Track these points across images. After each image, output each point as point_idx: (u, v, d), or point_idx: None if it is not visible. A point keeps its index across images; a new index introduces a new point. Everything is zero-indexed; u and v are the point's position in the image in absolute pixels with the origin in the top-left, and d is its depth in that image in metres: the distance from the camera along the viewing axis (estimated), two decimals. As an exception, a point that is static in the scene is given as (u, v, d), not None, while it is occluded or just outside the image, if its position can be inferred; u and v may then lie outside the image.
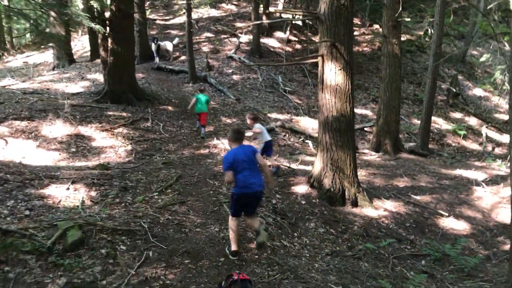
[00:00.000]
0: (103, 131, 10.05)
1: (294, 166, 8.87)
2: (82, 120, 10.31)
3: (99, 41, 12.62)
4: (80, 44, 20.98)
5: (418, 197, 8.43)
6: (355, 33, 22.90)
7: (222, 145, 10.13)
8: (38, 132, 9.48)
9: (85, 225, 4.73)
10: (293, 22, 20.78)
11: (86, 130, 9.95)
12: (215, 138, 10.62)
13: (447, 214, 7.73)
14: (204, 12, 22.74)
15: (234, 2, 24.15)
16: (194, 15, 21.83)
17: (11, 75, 14.98)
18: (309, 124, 13.71)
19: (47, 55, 18.93)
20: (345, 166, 7.16)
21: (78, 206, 5.67)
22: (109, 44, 12.04)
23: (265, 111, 13.62)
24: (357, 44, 22.02)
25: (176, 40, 17.57)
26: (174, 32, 20.47)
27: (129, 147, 9.52)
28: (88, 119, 10.43)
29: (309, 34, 21.20)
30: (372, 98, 17.47)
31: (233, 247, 4.93)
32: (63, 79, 14.72)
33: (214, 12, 22.75)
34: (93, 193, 6.16)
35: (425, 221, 7.38)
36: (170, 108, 12.72)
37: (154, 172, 7.35)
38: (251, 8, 20.41)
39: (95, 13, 12.28)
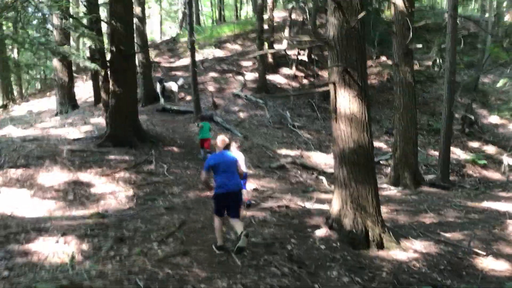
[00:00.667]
0: (103, 176, 9.45)
1: (309, 205, 8.14)
2: (81, 166, 9.74)
3: (100, 83, 12.24)
4: (85, 90, 20.80)
5: (448, 235, 7.58)
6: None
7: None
8: (34, 180, 8.90)
9: (69, 287, 4.01)
10: (299, 58, 20.48)
11: (85, 176, 9.35)
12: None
13: (484, 253, 6.85)
14: (209, 53, 22.61)
15: (239, 42, 24.07)
16: (199, 56, 21.70)
17: (13, 123, 14.60)
18: (321, 159, 13.03)
19: (52, 102, 18.71)
20: (366, 204, 6.42)
21: (66, 262, 4.97)
22: (110, 86, 11.66)
23: (274, 147, 13.00)
24: (365, 77, 21.57)
25: (180, 81, 17.26)
26: (179, 73, 20.26)
27: (130, 192, 8.87)
28: (87, 165, 9.86)
29: (315, 69, 20.85)
30: (385, 130, 16.83)
31: (219, 242, 5.58)
32: (65, 124, 14.32)
33: (219, 53, 22.62)
34: (84, 246, 5.46)
35: (460, 263, 6.52)
36: (175, 149, 12.16)
37: (154, 219, 6.66)
38: (255, 46, 20.24)
39: (96, 55, 11.99)
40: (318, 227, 6.58)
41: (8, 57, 23.97)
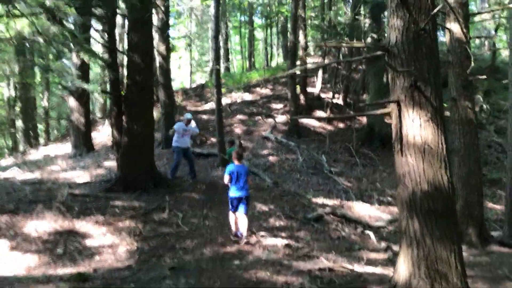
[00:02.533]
0: (104, 225, 7.82)
1: (358, 268, 6.23)
2: (80, 213, 8.16)
3: (112, 119, 10.90)
4: (105, 134, 19.72)
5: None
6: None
7: (257, 240, 7.65)
8: (20, 229, 7.33)
9: None
10: (333, 101, 18.97)
11: (82, 225, 7.74)
12: (248, 231, 8.17)
13: None
14: (237, 96, 21.43)
15: (269, 87, 22.87)
16: (227, 100, 20.52)
17: (19, 165, 13.37)
18: (364, 211, 11.07)
19: (69, 146, 17.61)
20: (448, 270, 4.52)
21: None
22: (124, 123, 10.30)
23: (309, 196, 11.16)
24: (406, 122, 19.77)
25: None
26: (205, 117, 19.02)
27: (134, 246, 7.17)
28: (88, 212, 8.29)
29: (351, 112, 19.20)
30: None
31: (234, 231, 7.72)
32: (77, 168, 13.00)
33: (248, 97, 21.40)
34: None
35: None
36: (194, 195, 10.51)
37: (154, 284, 4.91)
38: (286, 90, 18.96)
39: (111, 87, 10.76)
40: (379, 302, 4.68)
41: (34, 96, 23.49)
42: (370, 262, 7.10)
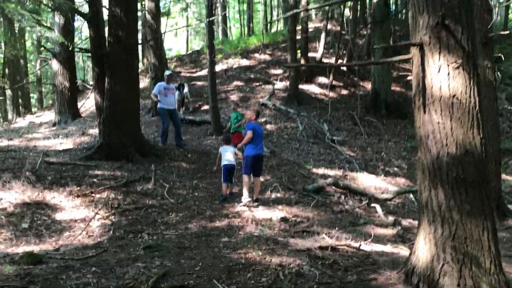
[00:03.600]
0: (78, 197, 6.96)
1: (366, 246, 5.38)
2: (54, 183, 7.30)
3: (93, 81, 9.92)
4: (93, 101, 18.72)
5: None
6: (409, 77, 19.75)
7: (250, 213, 6.79)
8: (-17, 199, 6.50)
9: None
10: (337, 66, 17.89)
11: (53, 196, 6.89)
12: (238, 203, 7.32)
13: None
14: (233, 62, 20.31)
15: (268, 52, 21.67)
16: (223, 66, 19.43)
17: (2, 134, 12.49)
18: (369, 182, 10.23)
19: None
20: (480, 252, 3.66)
21: None
22: (106, 84, 9.33)
23: (309, 166, 10.29)
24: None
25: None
26: (200, 83, 18.00)
27: (110, 220, 6.32)
28: (62, 181, 7.42)
29: (354, 78, 18.16)
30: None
31: (247, 196, 7.26)
32: (60, 135, 12.11)
33: (245, 62, 20.26)
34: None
35: None
36: (183, 164, 9.65)
37: (120, 267, 4.07)
38: (286, 56, 17.84)
39: (91, 45, 9.73)
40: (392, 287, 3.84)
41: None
42: (378, 239, 6.26)
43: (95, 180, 7.72)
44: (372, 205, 8.28)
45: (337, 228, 6.45)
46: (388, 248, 5.81)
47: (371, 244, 5.79)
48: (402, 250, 5.77)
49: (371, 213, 8.17)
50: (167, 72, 11.18)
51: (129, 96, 9.46)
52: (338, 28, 21.61)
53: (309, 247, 5.01)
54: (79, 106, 15.08)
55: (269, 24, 34.78)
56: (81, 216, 6.41)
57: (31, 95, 31.73)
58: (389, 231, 7.13)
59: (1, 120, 22.38)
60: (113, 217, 6.46)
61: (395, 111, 16.11)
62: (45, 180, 7.36)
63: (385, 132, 14.37)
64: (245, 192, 7.21)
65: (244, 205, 7.10)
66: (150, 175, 8.41)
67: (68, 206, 6.69)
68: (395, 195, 9.58)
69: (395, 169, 11.90)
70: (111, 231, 5.88)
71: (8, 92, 22.56)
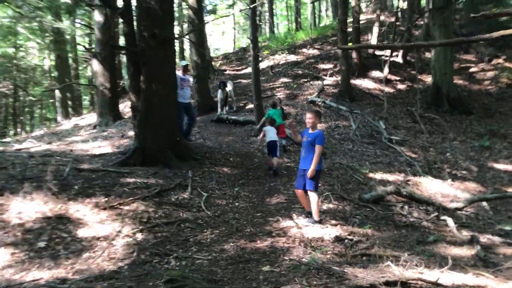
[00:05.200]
0: (104, 209, 6.21)
1: (443, 278, 4.24)
2: (80, 193, 6.59)
3: (129, 80, 9.26)
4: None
5: None
6: (471, 69, 17.95)
7: (297, 231, 5.77)
8: (1, 213, 5.88)
9: None
10: (391, 59, 16.44)
11: (77, 208, 6.17)
12: (284, 217, 6.32)
13: None
14: (280, 58, 19.31)
15: (316, 47, 20.50)
16: (269, 62, 18.48)
17: (42, 136, 12.17)
18: (435, 188, 8.94)
19: (100, 115, 16.33)
20: None
21: None
22: (141, 84, 8.64)
23: (365, 170, 9.12)
24: (478, 83, 16.98)
25: (229, 86, 13.81)
26: (245, 81, 17.14)
27: (136, 238, 5.51)
28: (89, 191, 6.71)
29: (412, 72, 16.65)
30: (518, 149, 12.21)
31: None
32: (99, 138, 11.59)
33: (293, 58, 19.21)
34: None
35: None
36: (225, 169, 8.79)
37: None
38: (336, 50, 16.65)
39: (126, 41, 9.07)
40: None
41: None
42: (454, 263, 5.07)
43: (126, 189, 6.97)
44: (442, 217, 7.01)
45: (403, 249, 5.31)
46: (470, 278, 4.63)
47: (448, 272, 4.63)
48: (489, 280, 4.60)
49: (441, 227, 6.92)
50: (183, 62, 10.37)
51: (166, 96, 8.72)
52: (392, 19, 20.16)
53: (372, 283, 3.93)
54: (121, 108, 14.66)
55: (317, 19, 33.53)
56: (105, 233, 5.64)
57: (84, 97, 32.30)
58: (466, 251, 5.91)
59: (48, 122, 22.60)
60: (140, 234, 5.65)
61: (459, 107, 14.53)
62: (71, 190, 6.67)
63: (449, 130, 12.88)
64: (317, 212, 6.04)
65: (311, 225, 5.98)
66: (187, 183, 7.61)
67: (92, 220, 5.94)
68: (467, 204, 8.24)
69: (463, 172, 10.48)
70: (135, 253, 5.05)
71: (58, 94, 22.72)
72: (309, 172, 5.84)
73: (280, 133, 10.08)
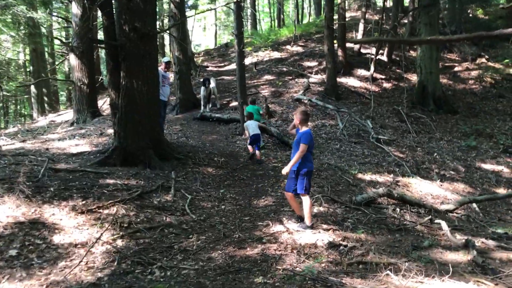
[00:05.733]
0: (82, 213, 5.79)
1: (443, 286, 4.01)
2: (56, 196, 6.15)
3: (108, 76, 8.81)
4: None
5: None
6: (456, 69, 17.97)
7: (288, 236, 5.46)
8: (-32, 218, 5.41)
9: None
10: (378, 58, 16.28)
11: (53, 212, 5.74)
12: (274, 221, 6.01)
13: None
14: (264, 55, 18.99)
15: (300, 44, 20.25)
16: (253, 59, 18.14)
17: (10, 135, 11.57)
18: (425, 189, 8.77)
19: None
20: None
21: None
22: (121, 80, 8.21)
23: (354, 171, 8.89)
24: (462, 82, 16.98)
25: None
26: (228, 77, 16.79)
27: (116, 245, 5.12)
28: (66, 193, 6.28)
29: (397, 70, 16.55)
30: (502, 148, 12.17)
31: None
32: (76, 135, 11.06)
33: (277, 55, 18.92)
34: None
35: None
36: (209, 170, 8.44)
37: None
38: (322, 47, 16.41)
39: (105, 35, 8.62)
40: None
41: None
42: (452, 270, 4.85)
43: (105, 191, 6.56)
44: (436, 221, 6.80)
45: (400, 256, 5.07)
46: (472, 287, 4.40)
47: (449, 281, 4.40)
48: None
49: (435, 231, 6.72)
50: (165, 59, 9.94)
51: (148, 92, 8.28)
52: (376, 17, 20.06)
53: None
54: (100, 104, 14.13)
55: (300, 16, 33.32)
56: (83, 239, 5.23)
57: (61, 92, 31.36)
58: (463, 257, 5.70)
59: (23, 119, 21.82)
60: (121, 240, 5.27)
61: (444, 106, 14.47)
62: (46, 192, 6.23)
63: (436, 130, 12.79)
64: (309, 216, 5.70)
65: (302, 230, 5.64)
66: (170, 184, 7.24)
67: (69, 225, 5.52)
68: (457, 205, 8.11)
69: (451, 172, 10.36)
70: (116, 262, 4.67)
71: (33, 90, 21.91)
72: (284, 169, 5.62)
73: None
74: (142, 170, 7.81)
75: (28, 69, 24.81)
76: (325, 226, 5.92)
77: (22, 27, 20.33)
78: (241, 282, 4.12)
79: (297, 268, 4.43)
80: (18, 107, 32.76)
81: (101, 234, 5.34)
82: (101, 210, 5.96)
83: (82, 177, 7.06)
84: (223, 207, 6.78)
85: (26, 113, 26.70)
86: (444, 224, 6.64)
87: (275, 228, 5.70)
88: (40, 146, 10.02)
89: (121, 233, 5.42)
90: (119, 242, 5.22)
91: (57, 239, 5.25)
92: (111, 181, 7.00)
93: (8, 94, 27.50)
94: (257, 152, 9.14)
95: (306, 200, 5.70)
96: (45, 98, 22.66)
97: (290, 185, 5.81)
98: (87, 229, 5.49)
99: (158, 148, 8.48)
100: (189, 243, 5.25)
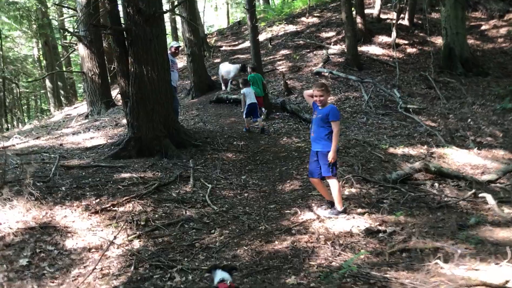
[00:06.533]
0: (96, 213, 5.40)
1: (506, 273, 3.46)
2: (67, 195, 5.77)
3: (115, 63, 8.35)
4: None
5: None
6: (482, 27, 16.88)
7: (320, 225, 4.95)
8: (-24, 226, 5.08)
9: None
10: (398, 22, 15.36)
11: (65, 214, 5.36)
12: (303, 208, 5.50)
13: None
14: (279, 29, 18.24)
15: (316, 14, 19.36)
16: (267, 34, 17.43)
17: (24, 133, 11.30)
18: (462, 159, 8.11)
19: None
20: None
21: None
22: (130, 66, 7.75)
23: (384, 145, 8.27)
24: (491, 41, 15.94)
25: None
26: (242, 56, 16.15)
27: (133, 247, 4.72)
28: (79, 192, 5.89)
29: (420, 34, 15.62)
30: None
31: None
32: (91, 128, 10.74)
33: (292, 28, 18.13)
34: None
35: None
36: (229, 155, 7.97)
37: None
38: (337, 16, 15.58)
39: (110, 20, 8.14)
40: None
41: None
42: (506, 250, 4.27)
43: (120, 186, 6.16)
44: (481, 194, 6.18)
45: (443, 238, 4.51)
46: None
47: (507, 266, 3.84)
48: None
49: (479, 205, 6.10)
50: (174, 43, 9.36)
51: (158, 78, 7.83)
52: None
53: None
54: (114, 94, 13.76)
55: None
56: (97, 242, 4.84)
57: (79, 85, 31.25)
58: (516, 235, 5.10)
59: (41, 114, 21.75)
60: (138, 240, 4.85)
61: (473, 68, 13.58)
62: (57, 192, 5.85)
63: (467, 94, 11.96)
64: (339, 201, 5.16)
65: (335, 217, 5.12)
66: (189, 173, 6.81)
67: (82, 227, 5.13)
68: (500, 175, 7.44)
69: (488, 138, 9.63)
70: (132, 267, 4.26)
71: (48, 84, 21.75)
72: (330, 157, 4.98)
73: (259, 104, 9.67)
74: (159, 161, 7.40)
75: (42, 64, 24.63)
76: (359, 209, 5.38)
77: (33, 22, 20.09)
78: (271, 284, 3.65)
79: (333, 263, 3.93)
80: (39, 102, 32.87)
81: (116, 236, 4.93)
82: (116, 208, 5.56)
83: (96, 173, 6.68)
84: (246, 195, 6.31)
85: (46, 108, 26.67)
86: (489, 198, 6.02)
87: (304, 216, 5.19)
88: (54, 142, 9.71)
89: (138, 232, 5.00)
90: (136, 243, 4.81)
91: (69, 243, 4.87)
92: (126, 175, 6.60)
93: (27, 90, 27.57)
94: (258, 121, 9.21)
95: (333, 183, 5.15)
96: (62, 92, 22.48)
97: (314, 169, 5.25)
98: (102, 230, 5.10)
99: (174, 136, 8.06)
100: (212, 239, 4.80)
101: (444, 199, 6.06)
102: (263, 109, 9.98)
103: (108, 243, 4.76)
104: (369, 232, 4.68)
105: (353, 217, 5.09)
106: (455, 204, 5.96)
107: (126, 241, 4.83)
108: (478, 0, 18.88)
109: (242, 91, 9.37)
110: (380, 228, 4.80)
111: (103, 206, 5.55)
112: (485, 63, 14.26)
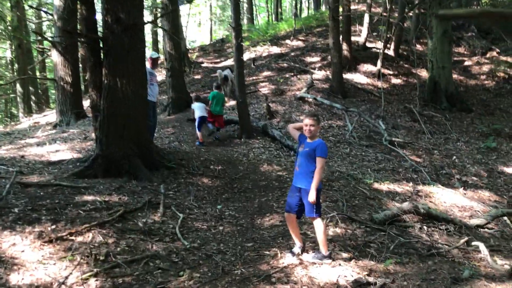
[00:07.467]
0: (50, 241, 4.74)
1: None
2: (19, 218, 5.09)
3: (88, 74, 7.74)
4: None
5: None
6: (466, 63, 16.95)
7: (303, 273, 4.41)
8: None
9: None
10: (385, 52, 15.23)
11: (14, 241, 4.67)
12: (283, 248, 4.96)
13: None
14: (263, 50, 17.92)
15: (301, 38, 19.16)
16: (251, 54, 17.07)
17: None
18: (448, 199, 7.75)
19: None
20: None
21: None
22: (103, 78, 7.16)
23: (368, 179, 7.85)
24: (473, 77, 15.97)
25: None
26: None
27: (88, 286, 4.08)
28: (33, 216, 5.21)
29: (405, 65, 15.52)
30: (525, 150, 11.18)
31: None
32: (57, 140, 10.03)
33: (276, 50, 17.84)
34: None
35: None
36: (205, 180, 7.40)
37: None
38: (323, 40, 15.35)
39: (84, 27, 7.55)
40: None
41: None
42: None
43: (80, 211, 5.51)
44: (473, 243, 5.78)
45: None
46: None
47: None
48: None
49: (471, 254, 5.70)
50: (153, 54, 8.80)
51: (134, 92, 7.24)
52: (378, 9, 19.03)
53: None
54: (86, 105, 13.04)
55: (298, 10, 32.26)
56: (47, 279, 4.18)
57: (52, 91, 30.12)
58: (520, 292, 4.71)
59: (9, 120, 20.70)
60: (94, 279, 4.22)
61: (458, 103, 13.47)
62: (8, 214, 5.17)
63: (451, 130, 11.76)
64: (325, 244, 4.63)
65: (319, 262, 4.59)
66: (159, 199, 6.21)
67: (32, 259, 4.46)
68: (489, 220, 7.09)
69: (474, 178, 9.36)
70: (85, 316, 3.63)
71: (18, 88, 20.75)
72: (310, 197, 4.45)
73: (217, 123, 9.98)
74: (127, 183, 6.78)
75: (14, 67, 23.62)
76: (344, 254, 4.88)
77: (8, 23, 19.21)
78: None
79: (320, 325, 3.39)
80: (8, 106, 31.51)
81: (71, 270, 4.30)
82: (73, 237, 4.91)
83: (56, 193, 6.00)
84: (221, 228, 5.75)
85: (15, 113, 25.52)
86: (482, 247, 5.62)
87: (286, 260, 4.65)
88: (16, 153, 8.96)
89: (95, 269, 4.36)
90: (92, 283, 4.17)
91: (14, 278, 4.19)
92: (89, 198, 5.96)
93: (-4, 93, 26.33)
94: (210, 127, 9.94)
95: (318, 224, 4.60)
96: (33, 97, 21.51)
97: (292, 204, 4.69)
98: (54, 264, 4.44)
99: (146, 156, 7.44)
100: (179, 283, 4.20)
101: (435, 246, 5.62)
102: (210, 125, 10.20)
103: (61, 279, 4.12)
104: (358, 285, 4.17)
105: (339, 264, 4.58)
106: (444, 252, 5.53)
107: (80, 279, 4.19)
108: (461, 36, 19.08)
109: (192, 106, 9.86)
110: (369, 279, 4.30)
111: (59, 234, 4.89)
112: (469, 99, 14.20)
